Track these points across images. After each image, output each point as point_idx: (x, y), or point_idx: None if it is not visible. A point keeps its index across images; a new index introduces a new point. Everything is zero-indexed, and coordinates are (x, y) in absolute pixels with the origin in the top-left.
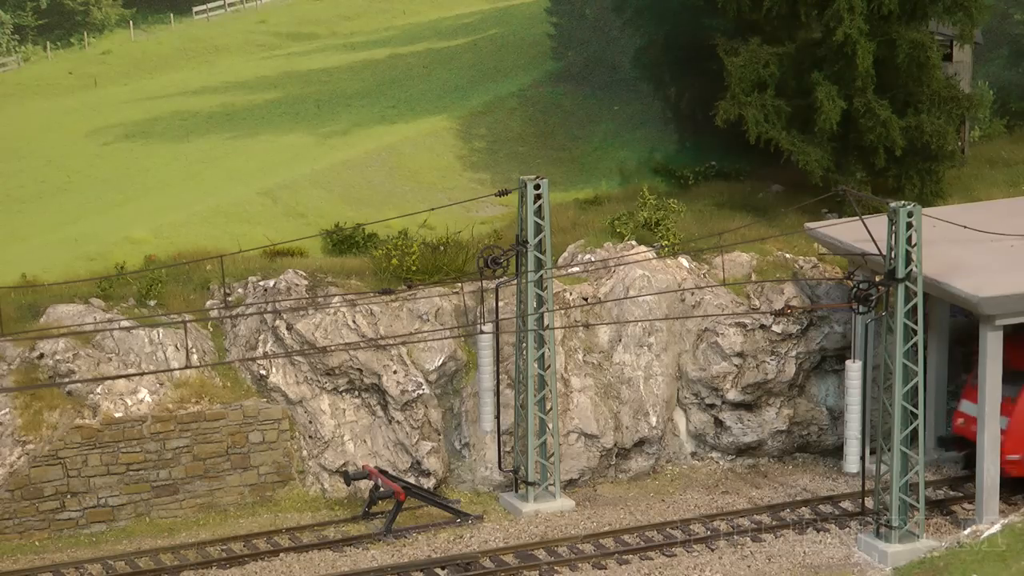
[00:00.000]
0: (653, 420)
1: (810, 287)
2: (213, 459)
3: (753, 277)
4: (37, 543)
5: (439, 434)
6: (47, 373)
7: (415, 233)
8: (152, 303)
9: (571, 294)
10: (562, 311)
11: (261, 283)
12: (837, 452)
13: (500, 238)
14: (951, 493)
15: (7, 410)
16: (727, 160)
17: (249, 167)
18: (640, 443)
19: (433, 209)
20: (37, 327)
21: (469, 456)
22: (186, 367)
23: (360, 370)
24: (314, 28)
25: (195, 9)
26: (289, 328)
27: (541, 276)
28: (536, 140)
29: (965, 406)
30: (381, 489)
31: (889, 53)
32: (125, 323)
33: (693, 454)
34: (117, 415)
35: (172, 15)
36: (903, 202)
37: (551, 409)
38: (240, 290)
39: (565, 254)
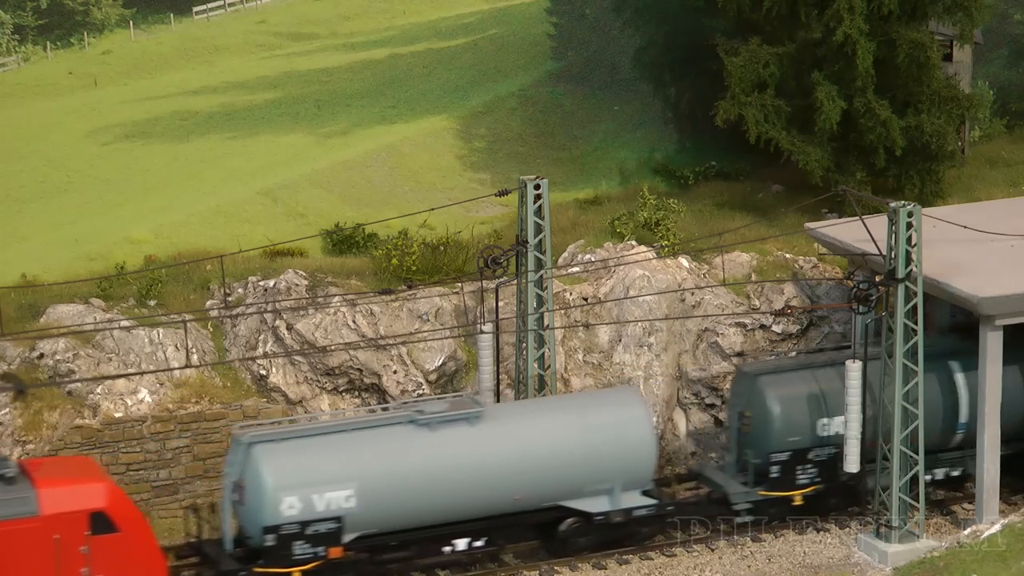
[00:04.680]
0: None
1: (810, 287)
2: (213, 459)
3: (753, 277)
4: None
5: None
6: (47, 373)
7: (415, 233)
8: (152, 303)
9: (571, 294)
10: (562, 311)
11: (261, 283)
12: None
13: (500, 238)
14: (951, 493)
15: (7, 410)
16: (727, 160)
17: (249, 167)
18: None
19: (433, 209)
20: (37, 327)
21: None
22: (186, 367)
23: (360, 370)
24: (314, 28)
25: (195, 9)
26: (289, 328)
27: (541, 276)
28: (536, 140)
29: None
30: None
31: (889, 53)
32: (125, 323)
33: (693, 454)
34: (117, 415)
35: (172, 15)
36: (903, 202)
37: None
38: (240, 290)
39: (565, 254)
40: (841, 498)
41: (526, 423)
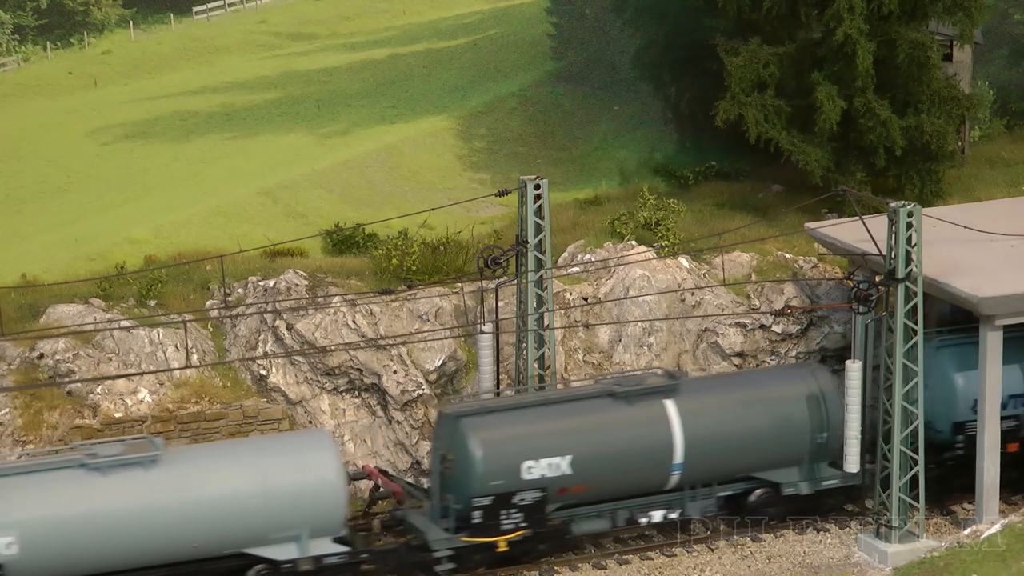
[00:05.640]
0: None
1: (810, 287)
2: None
3: (753, 277)
4: None
5: None
6: (47, 373)
7: (415, 233)
8: (152, 303)
9: (571, 294)
10: (562, 311)
11: (261, 283)
12: None
13: (500, 238)
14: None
15: (7, 410)
16: (727, 160)
17: (249, 167)
18: None
19: (433, 209)
20: (37, 327)
21: None
22: (186, 367)
23: (360, 370)
24: (314, 28)
25: (195, 9)
26: (289, 328)
27: (541, 276)
28: (536, 140)
29: None
30: (381, 489)
31: (889, 53)
32: (125, 323)
33: None
34: (117, 415)
35: (172, 15)
36: (903, 202)
37: None
38: (240, 290)
39: (565, 254)
40: (549, 543)
41: (204, 467)
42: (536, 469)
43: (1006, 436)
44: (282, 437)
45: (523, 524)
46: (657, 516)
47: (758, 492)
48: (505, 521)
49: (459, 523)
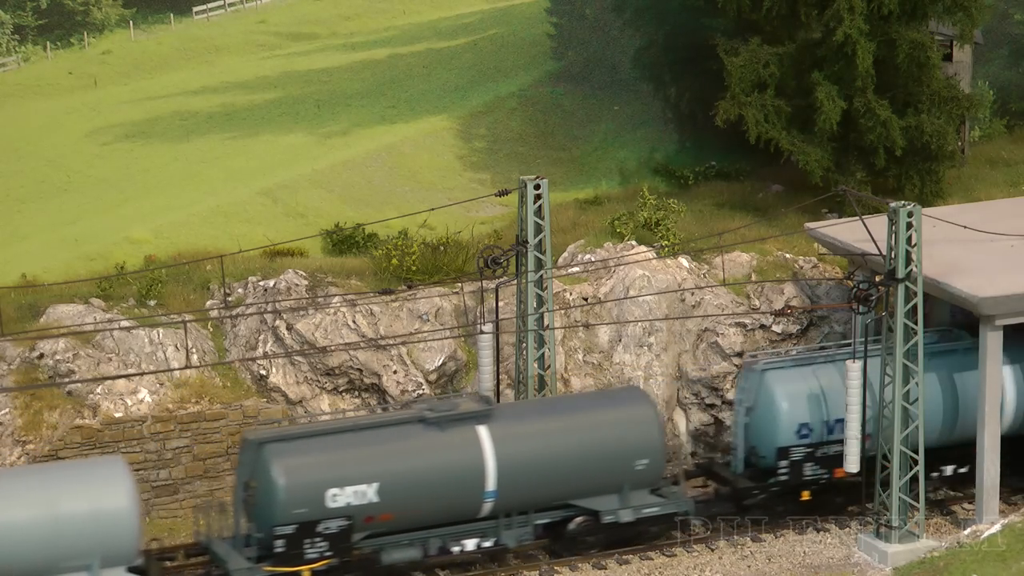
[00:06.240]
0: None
1: (810, 287)
2: (213, 459)
3: (753, 277)
4: None
5: None
6: (47, 373)
7: (415, 233)
8: (152, 303)
9: (571, 294)
10: (562, 311)
11: (261, 283)
12: None
13: (500, 238)
14: (951, 493)
15: (7, 410)
16: (727, 160)
17: (249, 167)
18: None
19: (433, 209)
20: (37, 327)
21: None
22: (186, 367)
23: (360, 370)
24: (314, 28)
25: (195, 9)
26: (289, 328)
27: (541, 276)
28: (536, 140)
29: None
30: None
31: (889, 53)
32: (125, 323)
33: (693, 454)
34: (117, 415)
35: (172, 15)
36: (903, 202)
37: None
38: (240, 290)
39: (565, 254)
40: (356, 572)
41: None
42: (341, 497)
43: (836, 461)
44: (74, 464)
45: (328, 554)
46: (470, 544)
47: (577, 520)
48: (309, 550)
49: (262, 552)
